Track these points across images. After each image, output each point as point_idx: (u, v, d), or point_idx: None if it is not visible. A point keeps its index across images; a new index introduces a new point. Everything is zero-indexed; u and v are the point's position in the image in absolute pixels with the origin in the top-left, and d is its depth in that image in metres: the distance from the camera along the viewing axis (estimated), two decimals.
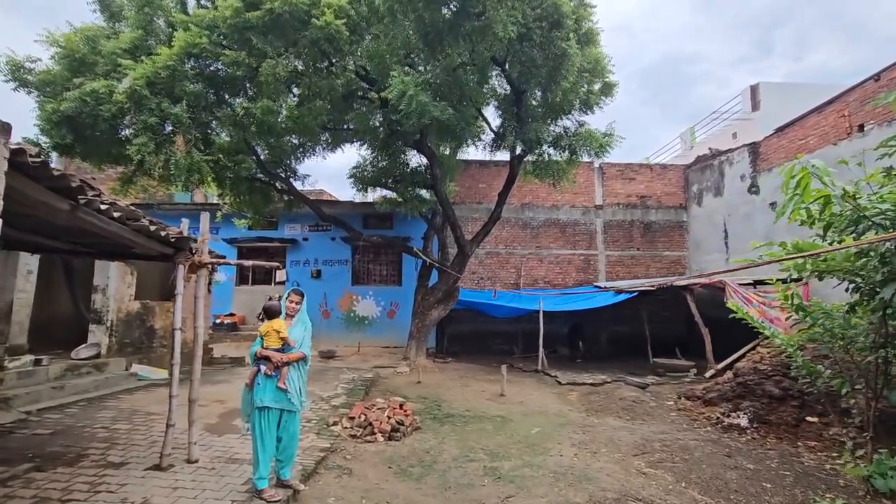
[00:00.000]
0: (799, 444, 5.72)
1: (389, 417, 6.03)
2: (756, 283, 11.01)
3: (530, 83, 8.78)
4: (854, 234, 3.90)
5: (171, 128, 7.43)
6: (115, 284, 8.67)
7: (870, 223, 3.79)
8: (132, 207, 3.86)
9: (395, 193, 12.38)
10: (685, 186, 15.71)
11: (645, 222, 15.55)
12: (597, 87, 9.54)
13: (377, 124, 10.30)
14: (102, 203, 3.40)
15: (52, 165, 3.04)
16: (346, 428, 5.92)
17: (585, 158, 10.21)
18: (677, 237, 15.57)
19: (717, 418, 6.70)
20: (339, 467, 4.69)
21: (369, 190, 13.00)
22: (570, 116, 10.05)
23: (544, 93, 9.51)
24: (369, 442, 5.61)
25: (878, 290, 3.95)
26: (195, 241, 4.63)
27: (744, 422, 6.34)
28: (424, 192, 12.39)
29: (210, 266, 4.84)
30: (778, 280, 5.06)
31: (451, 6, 7.47)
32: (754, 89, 16.44)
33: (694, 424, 6.76)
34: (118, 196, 8.93)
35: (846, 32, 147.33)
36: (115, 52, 7.23)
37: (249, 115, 8.10)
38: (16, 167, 2.69)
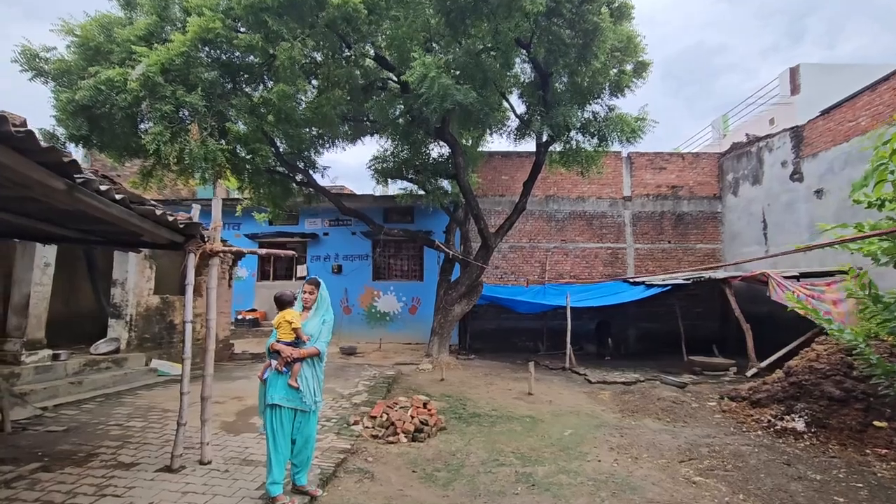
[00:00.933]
0: (867, 451, 5.14)
1: (413, 417, 5.68)
2: (801, 275, 10.32)
3: (558, 64, 8.26)
4: None
5: (186, 116, 7.24)
6: (134, 278, 8.56)
7: None
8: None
9: (415, 185, 12.03)
10: (719, 175, 14.90)
11: (676, 214, 14.81)
12: (629, 67, 8.94)
13: (397, 114, 9.96)
14: (102, 184, 3.17)
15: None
16: (367, 427, 5.60)
17: (616, 146, 9.63)
18: (711, 229, 14.79)
19: (769, 421, 6.14)
20: (359, 470, 4.35)
21: (389, 182, 12.72)
22: (599, 100, 9.50)
23: (571, 76, 8.98)
24: (392, 443, 5.27)
25: None
26: (205, 227, 4.36)
27: (800, 425, 5.77)
28: (446, 183, 12.03)
29: (223, 255, 4.56)
30: (851, 268, 4.50)
31: None
32: (794, 72, 15.46)
33: (742, 427, 6.21)
34: (138, 190, 8.82)
35: (879, 19, 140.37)
36: (130, 40, 7.05)
37: (266, 102, 7.85)
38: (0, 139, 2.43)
